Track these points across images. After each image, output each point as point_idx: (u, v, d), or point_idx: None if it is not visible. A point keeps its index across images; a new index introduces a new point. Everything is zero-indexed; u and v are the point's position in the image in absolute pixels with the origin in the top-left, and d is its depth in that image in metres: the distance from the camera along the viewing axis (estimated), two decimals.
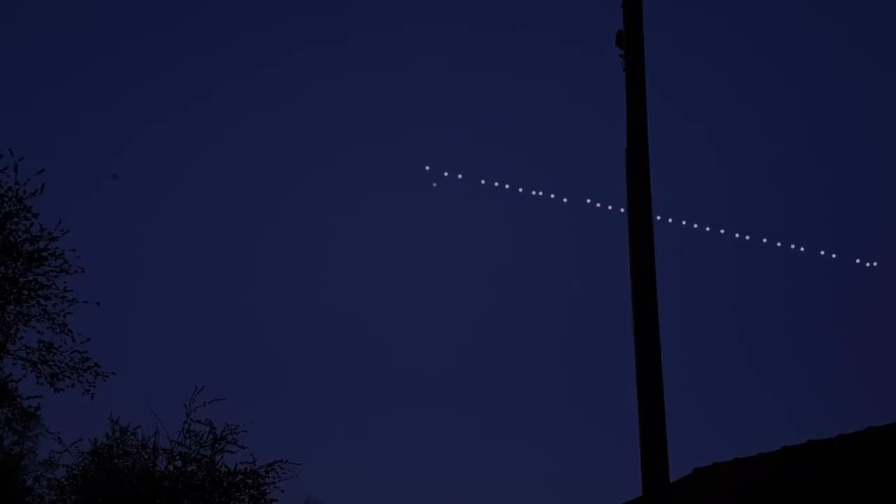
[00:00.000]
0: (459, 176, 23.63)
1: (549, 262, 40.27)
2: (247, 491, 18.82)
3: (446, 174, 23.61)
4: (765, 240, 23.33)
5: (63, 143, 40.57)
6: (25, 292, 17.11)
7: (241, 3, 42.35)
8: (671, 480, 9.35)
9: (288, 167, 41.79)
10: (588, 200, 22.03)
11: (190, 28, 43.00)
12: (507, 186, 23.47)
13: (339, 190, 40.01)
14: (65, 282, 17.34)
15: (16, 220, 16.99)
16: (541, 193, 23.19)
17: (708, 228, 21.71)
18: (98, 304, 17.68)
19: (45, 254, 17.13)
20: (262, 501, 18.93)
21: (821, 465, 13.57)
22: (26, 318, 17.26)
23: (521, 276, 40.30)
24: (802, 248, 22.80)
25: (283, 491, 19.07)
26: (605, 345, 35.88)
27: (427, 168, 23.38)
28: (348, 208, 40.91)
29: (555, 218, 34.35)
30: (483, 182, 23.77)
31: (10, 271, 17.08)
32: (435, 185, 23.62)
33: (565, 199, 22.53)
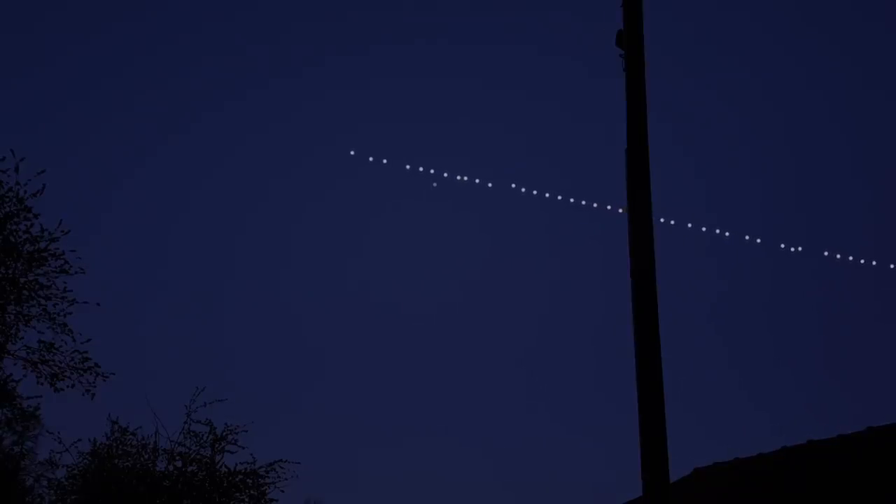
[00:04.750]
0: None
1: (549, 262, 40.32)
2: (247, 491, 18.84)
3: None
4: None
5: (86, 149, 40.78)
6: (26, 292, 17.13)
7: (255, 13, 42.50)
8: (671, 480, 9.37)
9: (302, 178, 41.93)
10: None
11: (201, 36, 43.17)
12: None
13: (351, 198, 40.10)
14: (65, 282, 17.39)
15: (16, 220, 17.00)
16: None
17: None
18: (98, 304, 17.72)
19: (45, 254, 17.15)
20: (262, 501, 18.95)
21: (820, 465, 13.59)
22: (26, 318, 17.26)
23: (522, 275, 40.36)
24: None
25: (283, 491, 19.10)
26: (602, 344, 35.92)
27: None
28: (361, 215, 41.04)
29: (553, 218, 34.44)
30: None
31: (10, 271, 17.09)
32: (435, 184, 23.73)
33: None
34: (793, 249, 22.23)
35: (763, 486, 14.35)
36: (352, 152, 23.64)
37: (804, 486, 13.63)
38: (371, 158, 23.97)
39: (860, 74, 39.64)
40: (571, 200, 21.99)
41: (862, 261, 22.03)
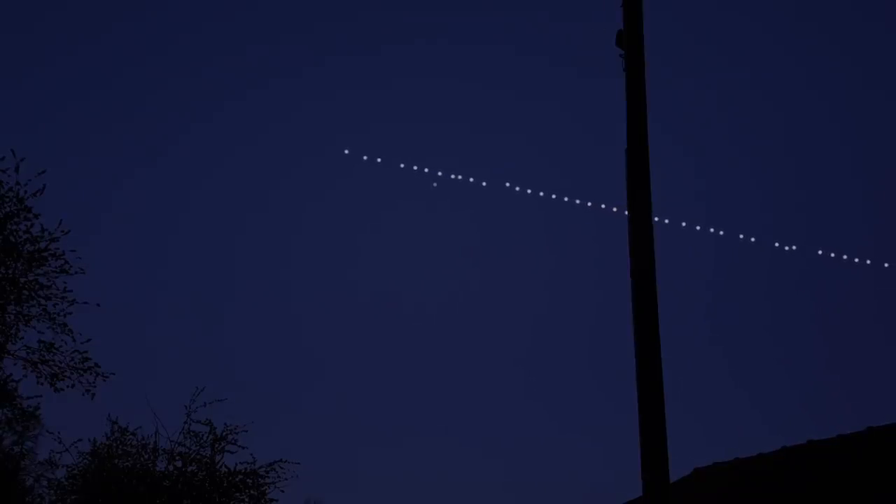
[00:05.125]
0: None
1: (548, 262, 40.33)
2: (247, 491, 18.84)
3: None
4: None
5: (86, 149, 40.82)
6: (26, 292, 17.14)
7: (255, 13, 42.57)
8: (671, 480, 9.37)
9: (302, 178, 41.96)
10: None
11: (201, 36, 43.23)
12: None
13: (350, 198, 40.12)
14: (65, 282, 17.40)
15: (16, 220, 17.01)
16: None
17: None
18: (98, 304, 17.74)
19: (45, 254, 17.16)
20: (262, 501, 18.95)
21: (820, 465, 13.59)
22: (26, 318, 17.28)
23: (521, 275, 40.39)
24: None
25: (283, 491, 19.11)
26: (601, 344, 35.93)
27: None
28: (360, 215, 41.06)
29: (551, 218, 34.49)
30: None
31: (10, 271, 17.10)
32: (435, 184, 23.76)
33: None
34: (787, 248, 22.22)
35: (763, 486, 14.35)
36: (346, 151, 23.66)
37: (804, 486, 13.63)
38: (365, 157, 23.98)
39: (860, 74, 39.64)
40: (566, 199, 21.98)
41: (856, 259, 22.03)
